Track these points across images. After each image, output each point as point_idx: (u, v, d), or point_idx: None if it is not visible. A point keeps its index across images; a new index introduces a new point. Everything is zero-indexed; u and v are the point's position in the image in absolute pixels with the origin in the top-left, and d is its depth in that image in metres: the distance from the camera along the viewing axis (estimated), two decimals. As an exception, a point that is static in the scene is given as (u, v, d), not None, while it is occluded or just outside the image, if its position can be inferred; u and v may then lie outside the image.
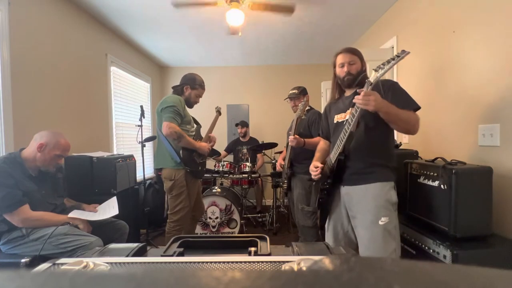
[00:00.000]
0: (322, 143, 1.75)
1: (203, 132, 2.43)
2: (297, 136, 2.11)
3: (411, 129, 1.33)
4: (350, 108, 1.41)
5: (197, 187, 2.29)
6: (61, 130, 2.08)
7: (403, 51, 1.17)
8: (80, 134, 2.67)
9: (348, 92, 1.55)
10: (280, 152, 3.31)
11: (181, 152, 2.09)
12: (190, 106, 2.33)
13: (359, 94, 1.24)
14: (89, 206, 1.90)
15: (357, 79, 1.46)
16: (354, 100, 1.26)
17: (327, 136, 1.69)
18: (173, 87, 2.30)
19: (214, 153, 3.41)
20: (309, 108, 2.38)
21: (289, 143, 2.15)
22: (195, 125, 2.36)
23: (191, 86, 2.25)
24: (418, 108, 1.35)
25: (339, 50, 1.53)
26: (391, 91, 1.37)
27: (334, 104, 1.62)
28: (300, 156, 2.31)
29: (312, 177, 1.59)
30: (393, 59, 1.17)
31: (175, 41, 3.62)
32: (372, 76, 1.24)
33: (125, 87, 3.59)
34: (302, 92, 2.48)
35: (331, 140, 1.61)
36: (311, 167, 1.59)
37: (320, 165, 1.56)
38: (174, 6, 2.49)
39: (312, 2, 2.62)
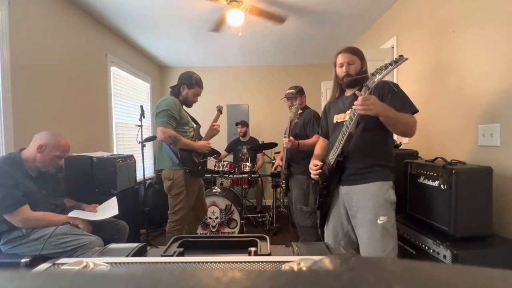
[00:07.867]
0: (321, 142, 1.75)
1: (203, 132, 2.42)
2: (292, 138, 2.13)
3: (409, 131, 1.33)
4: (350, 109, 1.41)
5: (197, 186, 2.28)
6: (61, 130, 2.08)
7: (401, 56, 1.16)
8: (80, 134, 2.67)
9: (348, 92, 1.55)
10: (279, 153, 3.31)
11: (179, 153, 2.09)
12: (189, 106, 2.31)
13: (357, 98, 1.23)
14: (89, 206, 1.90)
15: (356, 79, 1.46)
16: (353, 107, 1.24)
17: (326, 135, 1.69)
18: (170, 87, 2.29)
19: (214, 153, 3.41)
20: (301, 111, 2.35)
21: (284, 145, 2.16)
22: (194, 125, 2.35)
23: (188, 86, 2.23)
24: (416, 111, 1.35)
25: (340, 49, 1.52)
26: (391, 93, 1.37)
27: (334, 104, 1.62)
28: (298, 156, 2.31)
29: (312, 175, 1.59)
30: (390, 64, 1.16)
31: (175, 41, 3.62)
32: (370, 80, 1.24)
33: (125, 87, 3.59)
34: (299, 92, 2.46)
35: (330, 140, 1.61)
36: (311, 165, 1.59)
37: (319, 163, 1.56)
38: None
39: (311, 3, 2.62)
